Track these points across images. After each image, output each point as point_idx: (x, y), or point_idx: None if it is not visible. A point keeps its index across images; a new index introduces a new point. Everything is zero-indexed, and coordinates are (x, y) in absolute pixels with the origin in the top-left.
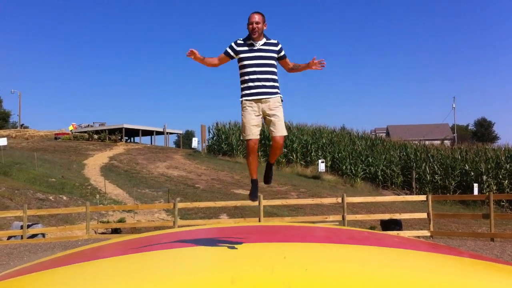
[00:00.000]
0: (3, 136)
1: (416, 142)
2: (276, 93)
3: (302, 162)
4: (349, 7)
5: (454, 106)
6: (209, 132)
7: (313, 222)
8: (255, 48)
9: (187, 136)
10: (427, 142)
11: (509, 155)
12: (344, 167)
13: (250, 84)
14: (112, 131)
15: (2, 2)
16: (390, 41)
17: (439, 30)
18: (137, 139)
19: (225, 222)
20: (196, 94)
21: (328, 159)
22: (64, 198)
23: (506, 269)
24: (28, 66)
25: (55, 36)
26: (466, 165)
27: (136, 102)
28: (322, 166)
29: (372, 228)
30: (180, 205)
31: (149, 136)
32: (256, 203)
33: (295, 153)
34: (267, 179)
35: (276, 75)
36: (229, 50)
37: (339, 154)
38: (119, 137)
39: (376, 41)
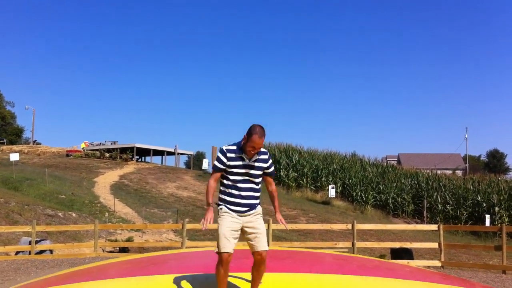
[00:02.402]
0: (16, 152)
1: (428, 171)
2: (257, 205)
3: (312, 187)
4: (363, 34)
5: (466, 136)
6: None
7: (322, 248)
8: (246, 163)
9: (198, 157)
10: (438, 172)
11: None
12: (354, 193)
13: (235, 200)
14: (123, 150)
15: (17, 14)
16: (403, 68)
17: (453, 60)
18: (148, 158)
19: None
20: (208, 115)
21: (339, 185)
22: (74, 215)
23: None
24: (43, 83)
25: (70, 53)
26: (478, 196)
27: (148, 122)
28: (332, 192)
29: (382, 256)
30: (189, 226)
31: (160, 156)
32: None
33: (305, 178)
34: None
35: (259, 190)
36: (221, 166)
37: (350, 180)
38: (130, 156)
39: (389, 68)
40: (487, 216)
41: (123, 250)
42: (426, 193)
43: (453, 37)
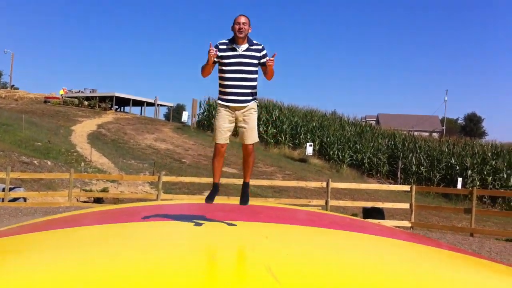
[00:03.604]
0: None
1: (405, 132)
2: (252, 100)
3: (290, 144)
4: None
5: (446, 99)
6: (200, 107)
7: (296, 205)
8: (237, 53)
9: (178, 110)
10: (416, 133)
11: (496, 152)
12: (331, 152)
13: (227, 90)
14: (102, 99)
15: None
16: (387, 31)
17: (434, 24)
18: (127, 108)
19: None
20: (190, 66)
21: (317, 143)
22: (49, 163)
23: (483, 263)
24: (23, 27)
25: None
26: (452, 159)
27: (129, 71)
28: (310, 150)
29: (354, 215)
30: (165, 178)
31: (140, 107)
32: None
33: (284, 135)
34: (243, 200)
35: (255, 81)
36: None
37: (328, 139)
38: (109, 105)
39: (373, 31)
40: (459, 179)
41: (98, 200)
42: (401, 154)
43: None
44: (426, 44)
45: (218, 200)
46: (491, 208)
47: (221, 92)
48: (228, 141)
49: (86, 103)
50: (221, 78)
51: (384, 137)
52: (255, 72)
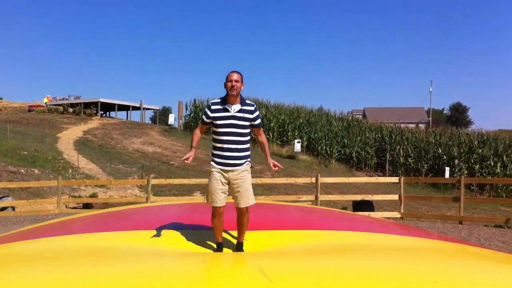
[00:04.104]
0: None
1: (392, 124)
2: (245, 162)
3: (278, 142)
4: None
5: (431, 89)
6: (186, 108)
7: (287, 202)
8: (230, 114)
9: (164, 112)
10: (402, 125)
11: (482, 140)
12: (319, 147)
13: (220, 153)
14: (87, 105)
15: None
16: (370, 24)
17: (416, 15)
18: (112, 113)
19: (198, 199)
20: (174, 69)
21: (304, 139)
22: (36, 171)
23: (472, 250)
24: (3, 34)
25: (33, 6)
26: (439, 149)
27: (113, 76)
28: (298, 146)
29: (344, 208)
30: (154, 181)
31: (125, 111)
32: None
33: (272, 133)
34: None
35: (247, 143)
36: (205, 118)
37: (316, 135)
38: (95, 111)
39: (356, 24)
40: (447, 169)
41: (87, 206)
42: (389, 146)
43: None
44: (409, 36)
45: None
46: (479, 196)
47: (214, 154)
48: (224, 203)
49: (71, 110)
50: (214, 140)
51: (371, 131)
52: (248, 134)
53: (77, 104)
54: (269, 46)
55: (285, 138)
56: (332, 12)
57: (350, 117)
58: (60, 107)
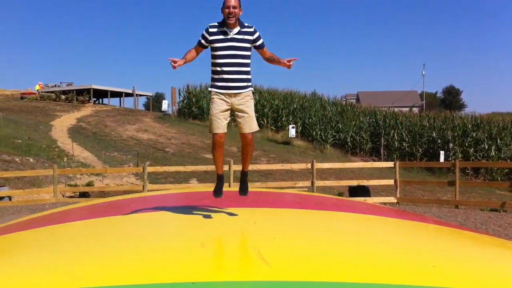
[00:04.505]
0: None
1: (386, 108)
2: (247, 86)
3: (272, 127)
4: None
5: (423, 73)
6: (179, 95)
7: (283, 188)
8: (229, 37)
9: (157, 99)
10: (396, 109)
11: (476, 123)
12: (314, 133)
13: (221, 76)
14: (80, 92)
15: None
16: (363, 8)
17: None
18: (105, 100)
19: (194, 186)
20: (167, 54)
21: (299, 124)
22: (31, 160)
23: (469, 235)
24: None
25: None
26: (434, 133)
27: (105, 62)
28: (292, 132)
29: (340, 194)
30: (150, 169)
31: (118, 98)
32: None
33: (266, 118)
34: (243, 189)
35: (248, 66)
36: (202, 41)
37: (310, 120)
38: (87, 98)
39: (349, 8)
40: (442, 152)
41: (84, 195)
42: (383, 131)
43: None
44: (401, 19)
45: (205, 187)
46: (474, 180)
47: (214, 79)
48: (226, 130)
49: (63, 97)
50: (213, 64)
51: (365, 115)
52: (248, 56)
53: (69, 91)
54: (261, 30)
55: (279, 124)
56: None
57: (344, 102)
58: (53, 94)
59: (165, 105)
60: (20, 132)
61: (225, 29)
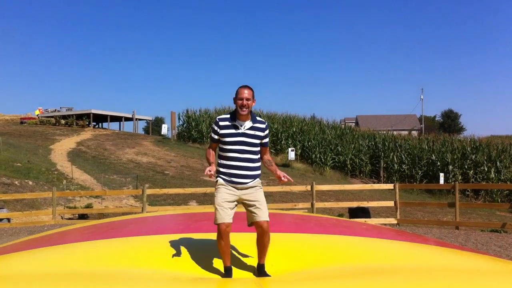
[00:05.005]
0: None
1: (385, 132)
2: (256, 178)
3: (272, 150)
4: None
5: (422, 97)
6: (179, 119)
7: (283, 210)
8: (240, 131)
9: (157, 123)
10: (395, 132)
11: (474, 146)
12: (313, 155)
13: (229, 171)
14: (79, 116)
15: None
16: (361, 32)
17: (407, 23)
18: (105, 124)
19: (194, 208)
20: (166, 80)
21: (298, 147)
22: (30, 183)
23: (470, 256)
24: None
25: (21, 17)
26: (433, 155)
27: (105, 87)
28: (292, 155)
29: (340, 215)
30: (149, 191)
31: (118, 122)
32: None
33: None
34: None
35: (258, 162)
36: (215, 136)
37: (309, 143)
38: (87, 123)
39: (348, 33)
40: (441, 175)
41: (83, 217)
42: (382, 153)
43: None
44: (399, 44)
45: (204, 208)
46: (474, 201)
47: (221, 171)
48: (232, 220)
49: (63, 121)
50: (222, 157)
51: (364, 138)
52: (258, 152)
53: (69, 115)
54: (261, 56)
55: (278, 147)
56: (322, 20)
57: (343, 125)
58: (52, 118)
59: (164, 129)
60: (19, 155)
61: (236, 122)
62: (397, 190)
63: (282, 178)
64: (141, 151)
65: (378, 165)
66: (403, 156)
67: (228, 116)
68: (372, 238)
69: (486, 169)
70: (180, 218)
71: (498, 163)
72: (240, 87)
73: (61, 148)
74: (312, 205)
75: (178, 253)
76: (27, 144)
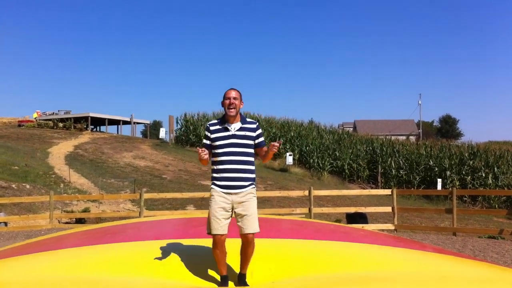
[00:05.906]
0: None
1: (382, 137)
2: (249, 184)
3: None
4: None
5: (420, 102)
6: (177, 122)
7: (280, 215)
8: (230, 133)
9: (155, 127)
10: (393, 138)
11: (472, 152)
12: (311, 160)
13: (221, 175)
14: (77, 120)
15: None
16: (360, 37)
17: (405, 28)
18: (103, 128)
19: (191, 213)
20: (164, 84)
21: (296, 152)
22: (28, 186)
23: (468, 263)
24: None
25: (19, 20)
26: (431, 161)
27: (103, 91)
28: (289, 159)
29: (337, 221)
30: (146, 195)
31: (116, 126)
32: None
33: None
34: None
35: (252, 164)
36: (207, 142)
37: (307, 148)
38: (85, 126)
39: (346, 38)
40: (439, 180)
41: (80, 221)
42: (380, 158)
43: (404, 4)
44: (397, 48)
45: (202, 213)
46: (472, 207)
47: (215, 178)
48: (226, 231)
49: (61, 124)
50: (214, 162)
51: (362, 143)
52: (251, 154)
53: (67, 119)
54: (259, 60)
55: (276, 151)
56: (320, 25)
57: (341, 130)
58: (50, 122)
59: (162, 132)
60: (17, 158)
61: (226, 125)
62: (395, 196)
63: (274, 146)
64: (139, 155)
65: (376, 170)
66: (401, 161)
67: (218, 120)
68: (370, 244)
69: (483, 175)
70: (178, 223)
71: (495, 169)
72: (227, 90)
73: (59, 152)
74: (309, 210)
75: (174, 260)
76: (24, 147)
